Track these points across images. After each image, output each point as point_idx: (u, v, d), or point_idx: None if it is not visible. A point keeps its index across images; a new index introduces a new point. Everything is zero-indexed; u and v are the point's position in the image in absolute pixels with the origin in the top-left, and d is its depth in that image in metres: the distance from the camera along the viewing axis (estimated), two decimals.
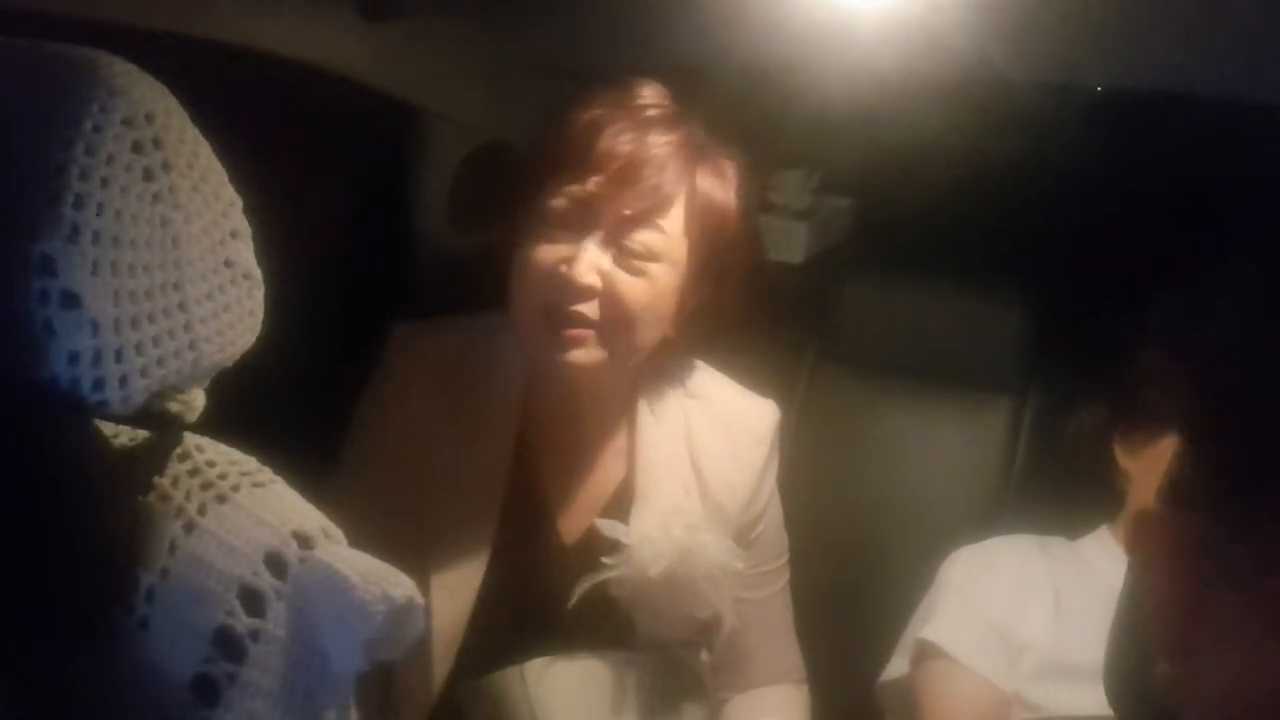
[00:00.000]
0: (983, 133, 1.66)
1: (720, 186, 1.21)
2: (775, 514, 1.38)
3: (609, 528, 1.22)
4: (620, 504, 1.28)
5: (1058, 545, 1.39)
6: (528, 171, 1.22)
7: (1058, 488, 1.49)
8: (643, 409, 1.30)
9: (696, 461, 1.30)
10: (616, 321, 1.17)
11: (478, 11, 1.45)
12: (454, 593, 1.23)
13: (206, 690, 0.68)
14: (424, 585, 1.21)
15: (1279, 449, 0.45)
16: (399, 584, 0.71)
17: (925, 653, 1.35)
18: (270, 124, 1.30)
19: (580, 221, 1.16)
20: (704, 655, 1.33)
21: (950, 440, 1.72)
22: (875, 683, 1.44)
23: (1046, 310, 1.74)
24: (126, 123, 0.66)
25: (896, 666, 1.42)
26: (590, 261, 1.15)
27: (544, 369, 1.23)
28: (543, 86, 1.50)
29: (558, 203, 1.17)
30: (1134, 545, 0.51)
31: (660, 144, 1.16)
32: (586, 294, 1.16)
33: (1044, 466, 1.68)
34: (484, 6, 1.44)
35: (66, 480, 0.67)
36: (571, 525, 1.29)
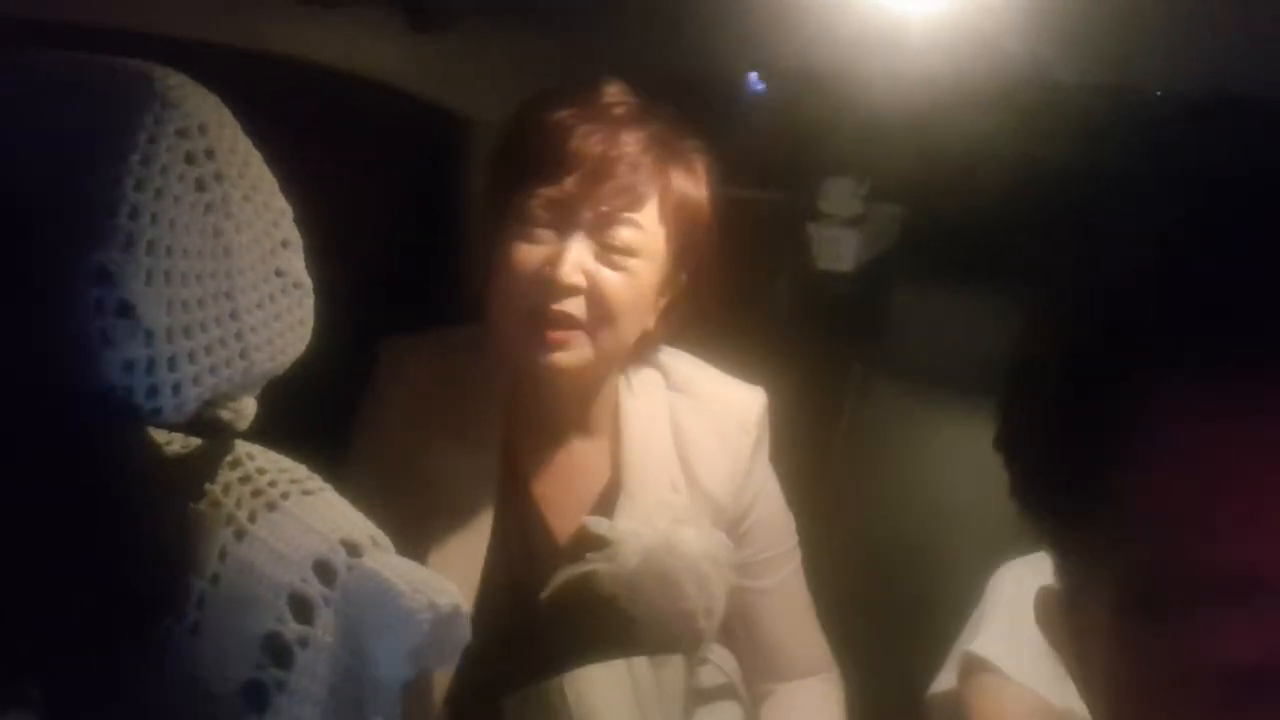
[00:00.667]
0: (1035, 138, 1.64)
1: (692, 181, 1.23)
2: (771, 499, 1.37)
3: (596, 524, 1.23)
4: (609, 501, 1.28)
5: None
6: (498, 173, 1.23)
7: None
8: (626, 405, 1.30)
9: (683, 454, 1.30)
10: (602, 318, 1.18)
11: (524, 21, 1.46)
12: None
13: (256, 696, 0.68)
14: None
15: None
16: (445, 592, 0.71)
17: (973, 666, 1.33)
18: (320, 134, 1.31)
19: (559, 221, 1.17)
20: (727, 654, 1.33)
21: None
22: (924, 696, 1.43)
23: None
24: (180, 134, 0.67)
25: (945, 680, 1.40)
26: (574, 260, 1.16)
27: (527, 372, 1.23)
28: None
29: (534, 204, 1.17)
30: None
31: (631, 141, 1.18)
32: (571, 292, 1.16)
33: None
34: (530, 16, 1.45)
35: (120, 487, 0.68)
36: (563, 525, 1.28)
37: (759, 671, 1.36)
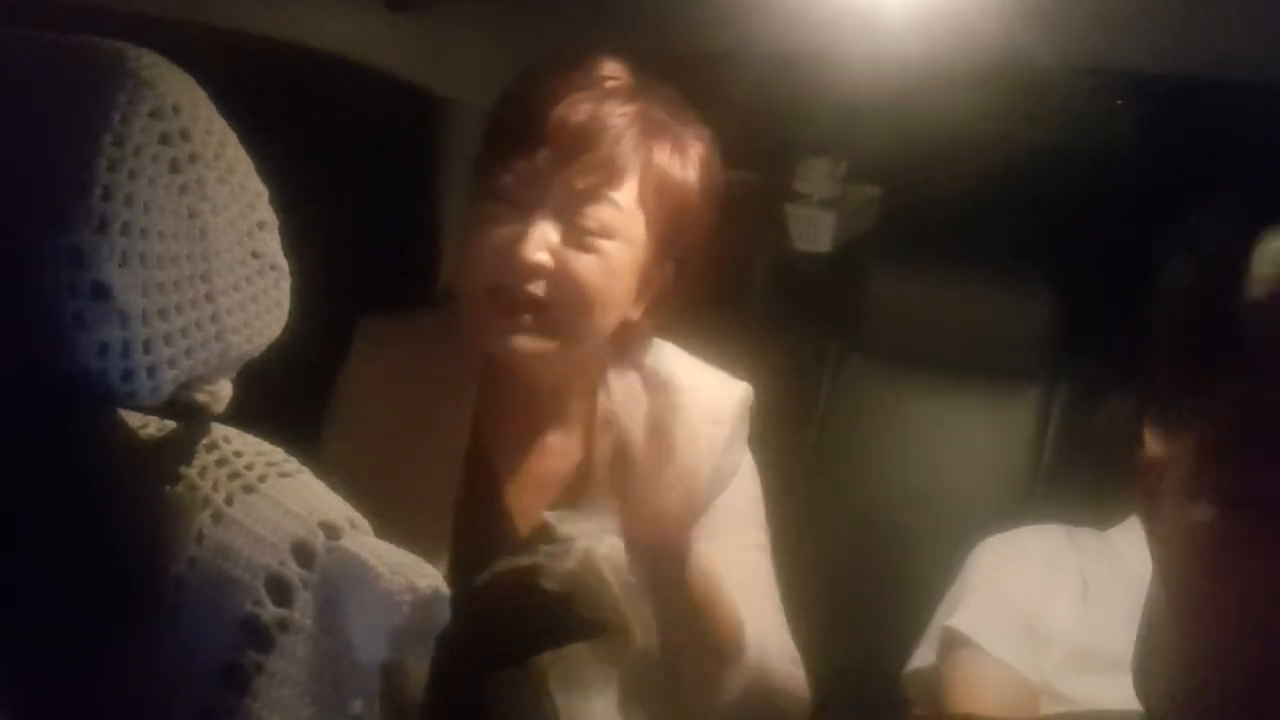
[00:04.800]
0: (1011, 119, 1.65)
1: (679, 162, 1.16)
2: (743, 493, 1.28)
3: (555, 519, 1.19)
4: (576, 493, 1.24)
5: (1086, 535, 1.38)
6: (481, 147, 1.18)
7: (1087, 478, 1.48)
8: (602, 396, 1.23)
9: (654, 449, 1.26)
10: (568, 302, 1.12)
11: (504, 1, 1.45)
12: None
13: (235, 679, 0.68)
14: None
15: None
16: (425, 575, 0.71)
17: (952, 642, 1.34)
18: (296, 114, 1.30)
19: (529, 197, 1.11)
20: None
21: (978, 430, 1.71)
22: (902, 672, 1.44)
23: (1075, 298, 1.72)
24: (154, 114, 0.67)
25: (923, 656, 1.41)
26: (539, 238, 1.10)
27: (492, 356, 1.19)
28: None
29: (505, 178, 1.12)
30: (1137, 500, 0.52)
31: (616, 114, 1.12)
32: (535, 273, 1.10)
33: (1073, 456, 1.66)
34: None
35: (94, 471, 0.68)
36: (527, 517, 1.25)
37: None
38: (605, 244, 1.12)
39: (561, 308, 1.12)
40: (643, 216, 1.14)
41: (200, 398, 0.75)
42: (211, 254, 0.69)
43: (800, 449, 1.49)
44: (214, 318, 0.70)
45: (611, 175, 1.11)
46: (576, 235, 1.12)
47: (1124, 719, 0.55)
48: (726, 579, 1.21)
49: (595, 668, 1.19)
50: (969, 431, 1.72)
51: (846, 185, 1.99)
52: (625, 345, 1.23)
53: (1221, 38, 1.29)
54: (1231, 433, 0.44)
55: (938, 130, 1.64)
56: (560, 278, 1.11)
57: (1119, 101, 1.51)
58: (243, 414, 0.77)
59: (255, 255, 0.73)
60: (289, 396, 1.05)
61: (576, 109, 1.11)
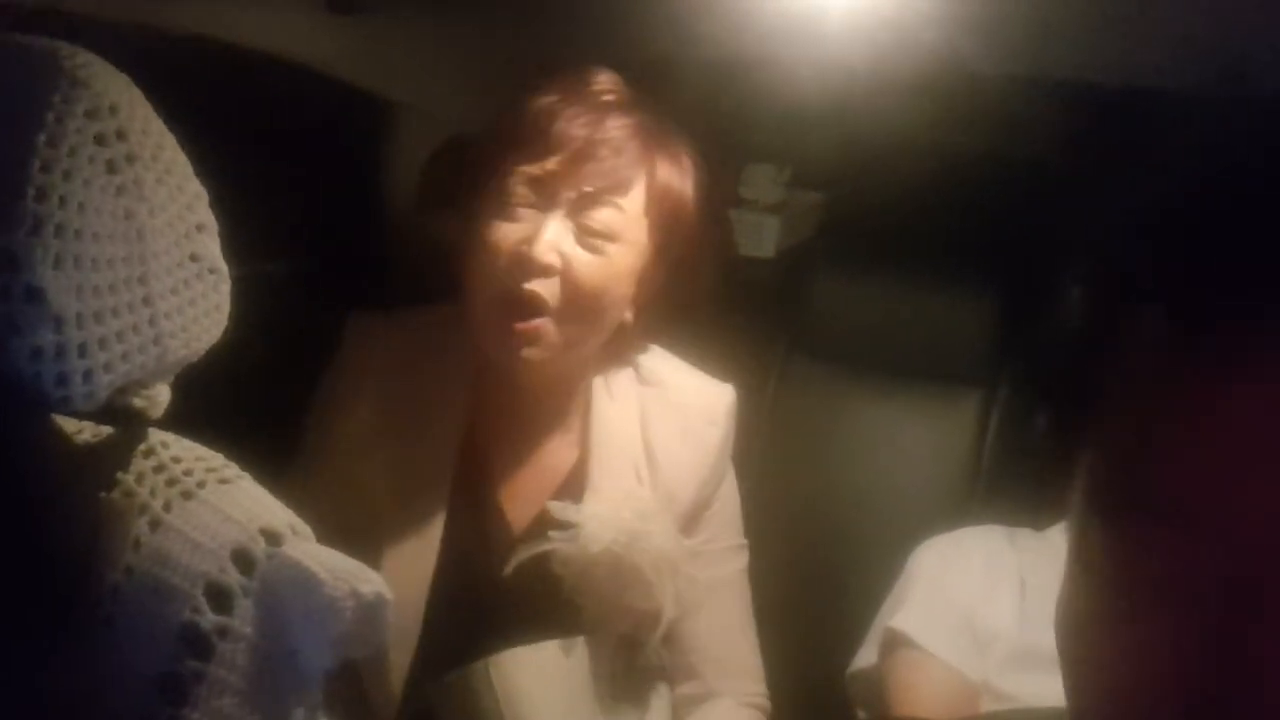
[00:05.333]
0: (953, 127, 1.67)
1: (677, 174, 1.22)
2: (729, 496, 1.37)
3: (559, 509, 1.21)
4: (571, 491, 1.27)
5: (1026, 535, 1.40)
6: (483, 157, 1.22)
7: (1026, 479, 1.50)
8: (597, 396, 1.29)
9: (650, 448, 1.29)
10: (575, 302, 1.16)
11: (445, 4, 1.45)
12: (407, 586, 1.21)
13: (174, 689, 0.67)
14: None
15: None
16: (368, 580, 0.70)
17: (894, 642, 1.35)
18: (236, 116, 1.28)
19: (539, 202, 1.17)
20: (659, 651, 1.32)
21: (920, 433, 1.73)
22: (845, 673, 1.45)
23: (1015, 303, 1.75)
24: (89, 114, 0.66)
25: (865, 656, 1.42)
26: (550, 240, 1.15)
27: (495, 361, 1.22)
28: (511, 79, 1.49)
29: (515, 184, 1.17)
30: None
31: (617, 127, 1.17)
32: (545, 272, 1.15)
33: (1013, 458, 1.69)
34: None
35: (27, 477, 0.66)
36: (520, 513, 1.28)
37: (683, 669, 1.33)
38: (610, 247, 1.17)
39: (567, 307, 1.16)
40: (646, 222, 1.19)
41: (137, 403, 0.73)
42: (149, 256, 0.68)
43: (745, 450, 1.49)
44: (151, 321, 0.69)
45: (617, 182, 1.17)
46: (584, 238, 1.16)
47: (1060, 715, 0.56)
48: (706, 604, 1.28)
49: (539, 665, 1.19)
50: (911, 433, 1.73)
51: (790, 191, 2.00)
52: (617, 346, 1.27)
53: (1158, 48, 1.32)
54: (1103, 446, 0.46)
55: (880, 137, 1.66)
56: (567, 278, 1.16)
57: (1055, 110, 1.54)
58: (186, 418, 0.76)
59: (194, 258, 0.72)
60: (228, 400, 1.03)
61: (578, 121, 1.16)
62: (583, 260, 1.16)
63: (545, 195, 1.16)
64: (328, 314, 1.35)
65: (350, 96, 1.45)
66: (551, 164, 1.15)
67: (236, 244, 0.77)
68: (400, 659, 1.22)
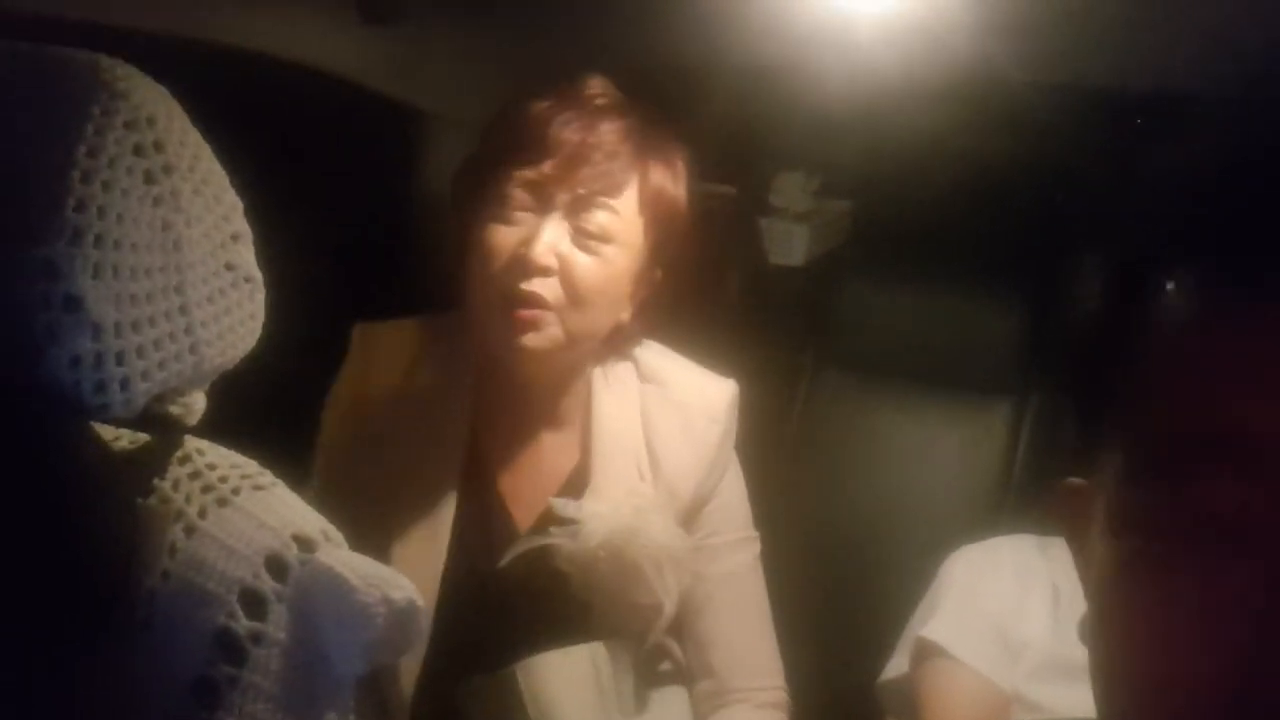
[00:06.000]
0: (983, 134, 1.66)
1: (670, 177, 1.25)
2: (732, 489, 1.37)
3: (561, 505, 1.24)
4: (574, 488, 1.29)
5: (1058, 545, 1.39)
6: (478, 161, 1.25)
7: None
8: (598, 394, 1.31)
9: (651, 445, 1.31)
10: (573, 301, 1.19)
11: (476, 14, 1.45)
12: (417, 587, 1.22)
13: (207, 693, 0.68)
14: None
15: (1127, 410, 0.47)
16: (400, 587, 0.71)
17: (925, 651, 1.35)
18: (271, 127, 1.30)
19: (535, 204, 1.20)
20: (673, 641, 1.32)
21: (951, 442, 1.72)
22: (875, 682, 1.44)
23: (1047, 311, 1.73)
24: (128, 126, 0.67)
25: (896, 665, 1.42)
26: (548, 242, 1.18)
27: (498, 355, 1.24)
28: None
29: (512, 187, 1.20)
30: (1055, 518, 0.53)
31: (609, 131, 1.20)
32: (544, 273, 1.18)
33: (1044, 467, 1.67)
34: (482, 9, 1.44)
35: (67, 484, 0.67)
36: (524, 513, 1.29)
37: (698, 666, 1.33)
38: (605, 248, 1.20)
39: (566, 306, 1.19)
40: (640, 224, 1.23)
41: (174, 410, 0.74)
42: (185, 266, 0.69)
43: (775, 460, 1.49)
44: (188, 330, 0.70)
45: (612, 185, 1.20)
46: (580, 239, 1.20)
47: None
48: (717, 599, 1.29)
49: (570, 670, 1.20)
50: (942, 442, 1.72)
51: (819, 200, 2.00)
52: (617, 345, 1.30)
53: (1190, 53, 1.31)
54: (1135, 459, 0.46)
55: (910, 145, 1.65)
56: (565, 278, 1.19)
57: (1139, 121, 1.52)
58: (222, 426, 0.77)
59: (229, 267, 0.73)
60: (269, 408, 1.04)
61: (571, 125, 1.19)
62: (579, 261, 1.19)
63: (541, 198, 1.19)
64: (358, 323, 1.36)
65: (382, 107, 1.47)
66: (547, 168, 1.19)
67: (270, 253, 0.78)
68: (410, 659, 1.23)
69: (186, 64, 0.82)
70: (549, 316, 1.19)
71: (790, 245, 1.94)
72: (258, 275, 0.75)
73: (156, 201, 0.67)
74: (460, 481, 1.27)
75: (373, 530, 1.21)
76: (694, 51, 1.49)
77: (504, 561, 1.23)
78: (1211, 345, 0.44)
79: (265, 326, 0.77)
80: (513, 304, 1.18)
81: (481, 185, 1.22)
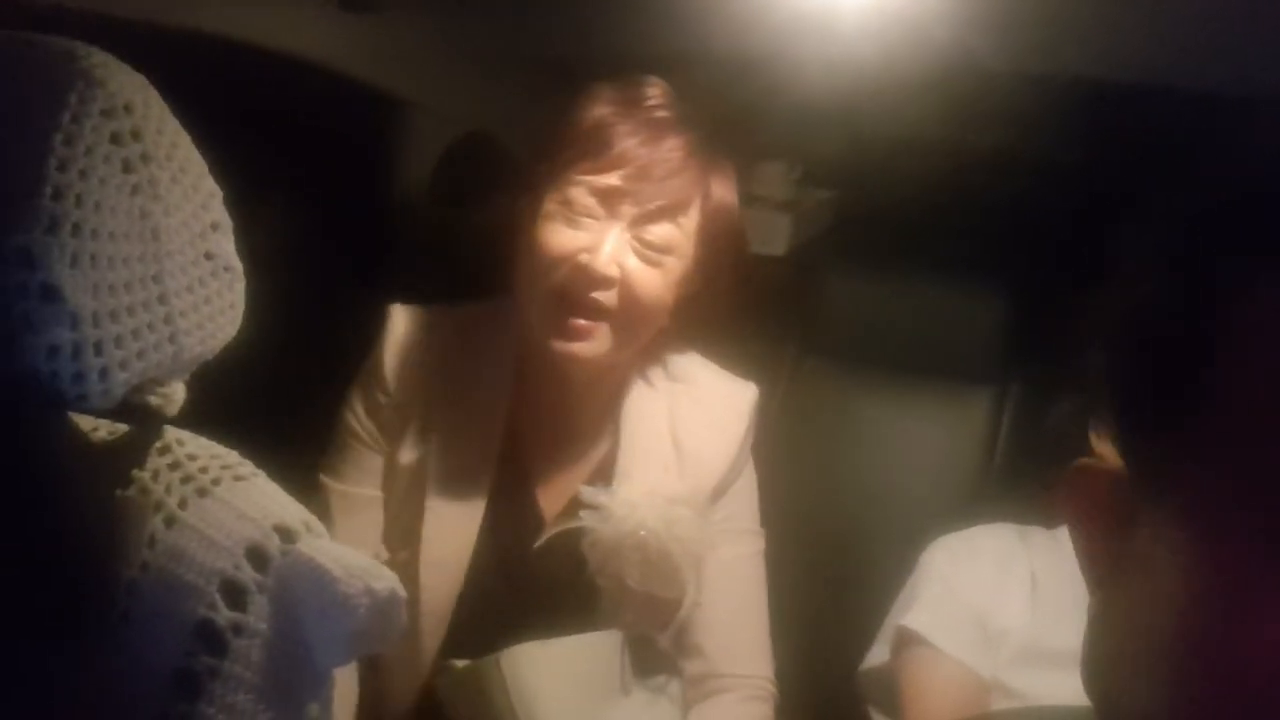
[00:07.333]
0: (964, 124, 1.66)
1: (728, 189, 1.27)
2: (747, 484, 1.40)
3: (589, 493, 1.25)
4: (602, 478, 1.30)
5: (1037, 534, 1.40)
6: (539, 160, 1.24)
7: (1038, 477, 1.50)
8: (630, 392, 1.33)
9: (678, 441, 1.33)
10: (630, 311, 1.21)
11: (456, 3, 1.45)
12: (444, 570, 1.27)
13: (188, 684, 0.68)
14: (414, 563, 1.26)
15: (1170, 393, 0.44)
16: (381, 577, 0.71)
17: (906, 640, 1.35)
18: (250, 116, 1.29)
19: (601, 212, 1.20)
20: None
21: (931, 431, 1.73)
22: (856, 671, 1.45)
23: (1027, 301, 1.74)
24: (105, 114, 0.66)
25: (877, 654, 1.42)
26: (612, 253, 1.19)
27: (543, 353, 1.25)
28: (522, 77, 1.50)
29: (578, 192, 1.20)
30: (1061, 504, 0.51)
31: (674, 147, 1.21)
32: (606, 284, 1.19)
33: (1024, 456, 1.68)
34: None
35: (44, 475, 0.67)
36: (553, 500, 1.32)
37: (688, 648, 1.34)
38: (666, 259, 1.22)
39: (622, 316, 1.21)
40: (697, 236, 1.24)
41: (153, 400, 0.74)
42: (164, 255, 0.69)
43: (754, 449, 1.49)
44: (167, 319, 0.69)
45: (680, 201, 1.21)
46: (642, 250, 1.21)
47: (1071, 713, 0.56)
48: (716, 584, 1.31)
49: (549, 661, 1.20)
50: (922, 432, 1.73)
51: (801, 189, 2.00)
52: (653, 346, 1.32)
53: (1170, 45, 1.31)
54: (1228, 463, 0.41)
55: (892, 134, 1.66)
56: (625, 289, 1.20)
57: (1067, 107, 1.53)
58: (202, 415, 0.77)
59: (209, 256, 0.72)
60: (244, 396, 1.04)
61: (639, 137, 1.20)
62: (640, 272, 1.21)
63: (608, 207, 1.20)
64: (345, 313, 1.36)
65: (361, 94, 1.46)
66: (614, 179, 1.19)
67: (248, 241, 0.77)
68: (432, 638, 1.27)
69: (165, 51, 0.82)
70: (603, 328, 1.21)
71: (772, 234, 1.94)
72: (237, 264, 0.75)
73: (134, 190, 0.67)
74: (495, 468, 1.29)
75: (404, 515, 1.27)
76: (676, 40, 1.48)
77: (539, 543, 1.25)
78: None
79: (244, 316, 0.77)
80: (571, 311, 1.20)
81: (543, 184, 1.22)
